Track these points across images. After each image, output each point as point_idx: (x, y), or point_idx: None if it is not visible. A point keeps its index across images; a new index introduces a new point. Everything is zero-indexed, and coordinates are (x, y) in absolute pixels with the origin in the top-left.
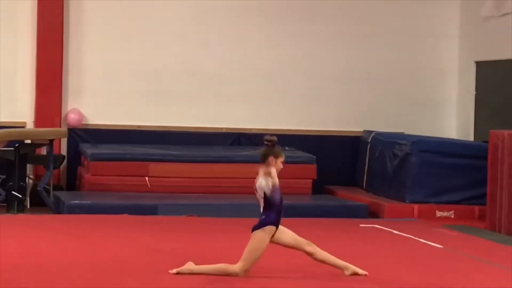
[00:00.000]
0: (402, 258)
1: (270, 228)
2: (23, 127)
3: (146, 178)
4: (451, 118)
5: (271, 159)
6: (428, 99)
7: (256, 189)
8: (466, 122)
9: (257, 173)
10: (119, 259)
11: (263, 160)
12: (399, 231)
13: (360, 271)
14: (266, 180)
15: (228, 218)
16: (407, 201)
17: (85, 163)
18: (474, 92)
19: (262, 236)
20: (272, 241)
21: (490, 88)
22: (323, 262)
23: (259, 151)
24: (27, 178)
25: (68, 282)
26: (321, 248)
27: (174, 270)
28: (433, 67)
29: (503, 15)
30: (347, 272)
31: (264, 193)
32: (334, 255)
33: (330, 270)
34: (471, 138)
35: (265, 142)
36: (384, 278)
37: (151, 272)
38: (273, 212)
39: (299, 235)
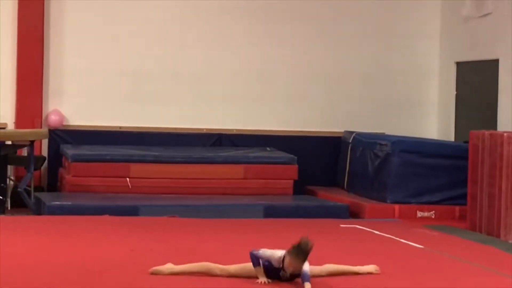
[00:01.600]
0: (383, 258)
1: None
2: (3, 128)
3: (127, 179)
4: (432, 118)
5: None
6: (409, 100)
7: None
8: (446, 122)
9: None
10: (100, 260)
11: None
12: (379, 231)
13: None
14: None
15: (209, 219)
16: (388, 201)
17: (66, 164)
18: (455, 93)
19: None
20: None
21: (470, 89)
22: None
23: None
24: (7, 179)
25: (48, 282)
26: None
27: (153, 269)
28: (414, 67)
29: (484, 15)
30: None
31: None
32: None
33: None
34: (451, 138)
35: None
36: (365, 278)
37: (131, 272)
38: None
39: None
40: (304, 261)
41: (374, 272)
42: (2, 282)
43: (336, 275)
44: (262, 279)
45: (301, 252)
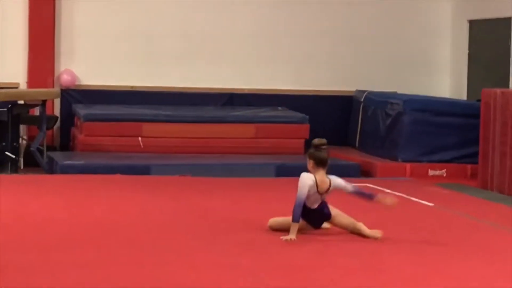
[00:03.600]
0: (393, 216)
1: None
2: (16, 87)
3: (139, 138)
4: (444, 77)
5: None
6: (421, 58)
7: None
8: (459, 81)
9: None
10: (112, 218)
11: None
12: (390, 190)
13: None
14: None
15: (220, 178)
16: (399, 160)
17: (78, 123)
18: (467, 51)
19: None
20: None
21: (483, 47)
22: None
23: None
24: (20, 139)
25: (59, 240)
26: None
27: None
28: (426, 26)
29: None
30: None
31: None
32: None
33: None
34: (464, 97)
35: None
36: (373, 229)
37: (142, 231)
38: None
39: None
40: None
41: (378, 237)
42: (15, 240)
43: (347, 229)
44: (291, 236)
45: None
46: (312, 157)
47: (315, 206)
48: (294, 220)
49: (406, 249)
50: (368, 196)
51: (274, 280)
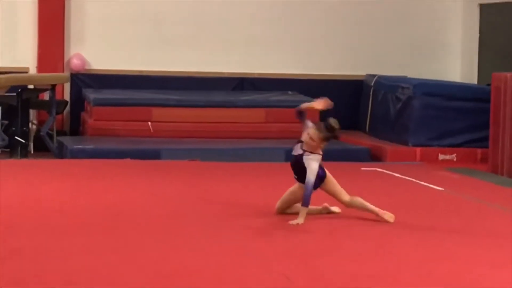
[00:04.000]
0: (403, 201)
1: None
2: (26, 72)
3: (149, 123)
4: (455, 61)
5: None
6: (432, 42)
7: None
8: (469, 65)
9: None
10: (121, 203)
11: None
12: (400, 174)
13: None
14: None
15: (230, 163)
16: (409, 145)
17: (88, 108)
18: (478, 35)
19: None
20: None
21: (494, 31)
22: (358, 208)
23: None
24: (30, 123)
25: (69, 225)
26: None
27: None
28: (437, 9)
29: None
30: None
31: None
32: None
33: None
34: (474, 81)
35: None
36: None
37: (152, 215)
38: None
39: None
40: (321, 131)
41: (390, 220)
42: (25, 224)
43: (358, 209)
44: (300, 220)
45: (328, 128)
46: (325, 138)
47: None
48: (305, 204)
49: (416, 233)
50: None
51: (282, 265)
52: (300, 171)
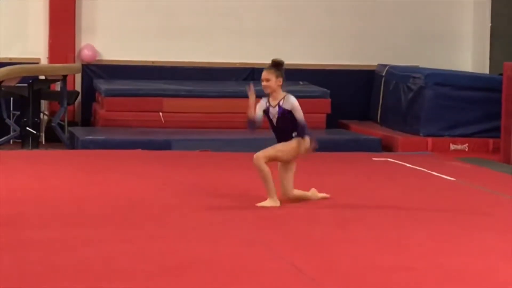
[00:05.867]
0: (414, 191)
1: None
2: (37, 63)
3: (160, 113)
4: (467, 51)
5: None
6: (443, 32)
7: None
8: (481, 54)
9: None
10: (132, 193)
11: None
12: (411, 164)
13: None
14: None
15: (241, 153)
16: (421, 135)
17: (99, 99)
18: (490, 24)
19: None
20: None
21: (505, 20)
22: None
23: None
24: (41, 114)
25: (80, 215)
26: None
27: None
28: None
29: None
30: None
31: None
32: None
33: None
34: (486, 71)
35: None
36: (395, 205)
37: (163, 206)
38: None
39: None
40: (270, 69)
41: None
42: (36, 214)
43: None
44: (307, 144)
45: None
46: (282, 75)
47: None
48: (307, 134)
49: (427, 223)
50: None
51: (293, 256)
52: (281, 125)
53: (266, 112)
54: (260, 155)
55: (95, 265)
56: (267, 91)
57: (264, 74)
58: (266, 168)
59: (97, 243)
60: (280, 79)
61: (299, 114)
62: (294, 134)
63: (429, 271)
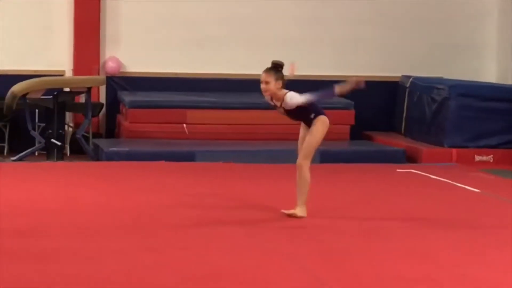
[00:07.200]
0: (438, 202)
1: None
2: (61, 75)
3: (184, 125)
4: (491, 61)
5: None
6: (467, 43)
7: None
8: (505, 65)
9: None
10: (156, 204)
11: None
12: (436, 176)
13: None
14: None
15: (264, 164)
16: (445, 146)
17: (124, 110)
18: None
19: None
20: None
21: None
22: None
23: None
24: (66, 126)
25: (105, 225)
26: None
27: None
28: (472, 9)
29: None
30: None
31: None
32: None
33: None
34: (510, 81)
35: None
36: (419, 216)
37: (186, 217)
38: None
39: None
40: (270, 71)
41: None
42: (60, 225)
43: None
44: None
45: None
46: (282, 77)
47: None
48: (331, 91)
49: (450, 235)
50: (328, 94)
51: (314, 265)
52: (295, 117)
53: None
54: (303, 162)
55: (117, 276)
56: (266, 94)
57: (263, 76)
58: (308, 175)
59: (121, 254)
60: (280, 82)
61: (303, 101)
62: (312, 116)
63: (451, 283)
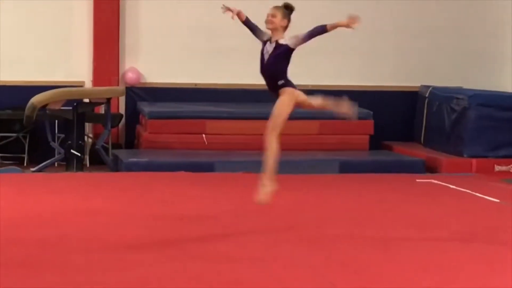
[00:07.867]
0: (458, 212)
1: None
2: (81, 86)
3: (203, 135)
4: (510, 71)
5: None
6: (486, 52)
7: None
8: None
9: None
10: (175, 215)
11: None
12: (456, 186)
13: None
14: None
15: (284, 175)
16: (465, 156)
17: (143, 121)
18: None
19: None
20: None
21: None
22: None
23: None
24: (85, 137)
25: (123, 236)
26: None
27: None
28: (490, 19)
29: None
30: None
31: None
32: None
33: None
34: None
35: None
36: (438, 226)
37: (207, 227)
38: None
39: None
40: (279, 7)
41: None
42: (79, 236)
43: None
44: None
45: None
46: (289, 19)
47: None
48: (324, 27)
49: (469, 246)
50: (318, 30)
51: (333, 275)
52: (271, 65)
53: (263, 45)
54: (270, 133)
55: (138, 287)
56: (269, 26)
57: (271, 10)
58: (275, 146)
59: (140, 265)
60: (286, 21)
61: (303, 37)
62: (280, 82)
63: None
